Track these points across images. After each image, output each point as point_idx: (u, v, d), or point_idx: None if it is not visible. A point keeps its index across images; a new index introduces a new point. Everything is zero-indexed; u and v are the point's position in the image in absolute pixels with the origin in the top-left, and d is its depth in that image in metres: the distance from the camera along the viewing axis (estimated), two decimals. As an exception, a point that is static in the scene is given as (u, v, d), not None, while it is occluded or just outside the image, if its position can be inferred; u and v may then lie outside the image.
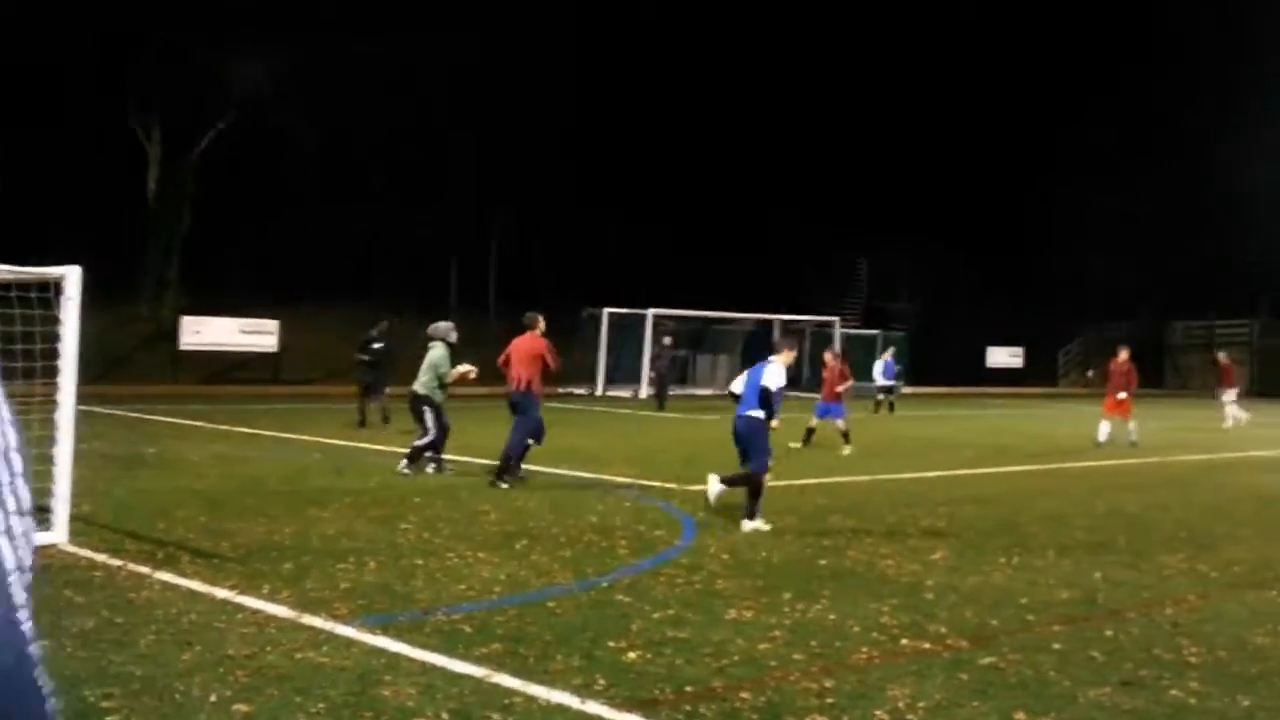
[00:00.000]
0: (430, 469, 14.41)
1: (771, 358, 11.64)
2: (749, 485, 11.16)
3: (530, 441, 13.87)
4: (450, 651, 6.48)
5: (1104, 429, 21.65)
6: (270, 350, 34.67)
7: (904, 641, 7.02)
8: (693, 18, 48.06)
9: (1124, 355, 22.39)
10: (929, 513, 12.22)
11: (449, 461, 14.73)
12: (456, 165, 41.52)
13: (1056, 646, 6.97)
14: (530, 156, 42.40)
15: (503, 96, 41.81)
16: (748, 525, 10.84)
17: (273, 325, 34.61)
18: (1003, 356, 50.13)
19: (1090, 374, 22.71)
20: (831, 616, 7.53)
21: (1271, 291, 56.90)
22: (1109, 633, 7.35)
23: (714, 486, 11.59)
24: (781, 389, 11.34)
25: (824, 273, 50.19)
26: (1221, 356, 29.71)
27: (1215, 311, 56.52)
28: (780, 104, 49.70)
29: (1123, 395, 21.69)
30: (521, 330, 14.24)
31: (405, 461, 14.41)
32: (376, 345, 21.16)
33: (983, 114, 52.84)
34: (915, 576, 8.88)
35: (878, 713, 5.67)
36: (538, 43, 42.39)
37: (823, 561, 9.39)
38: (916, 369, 45.14)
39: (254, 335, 34.45)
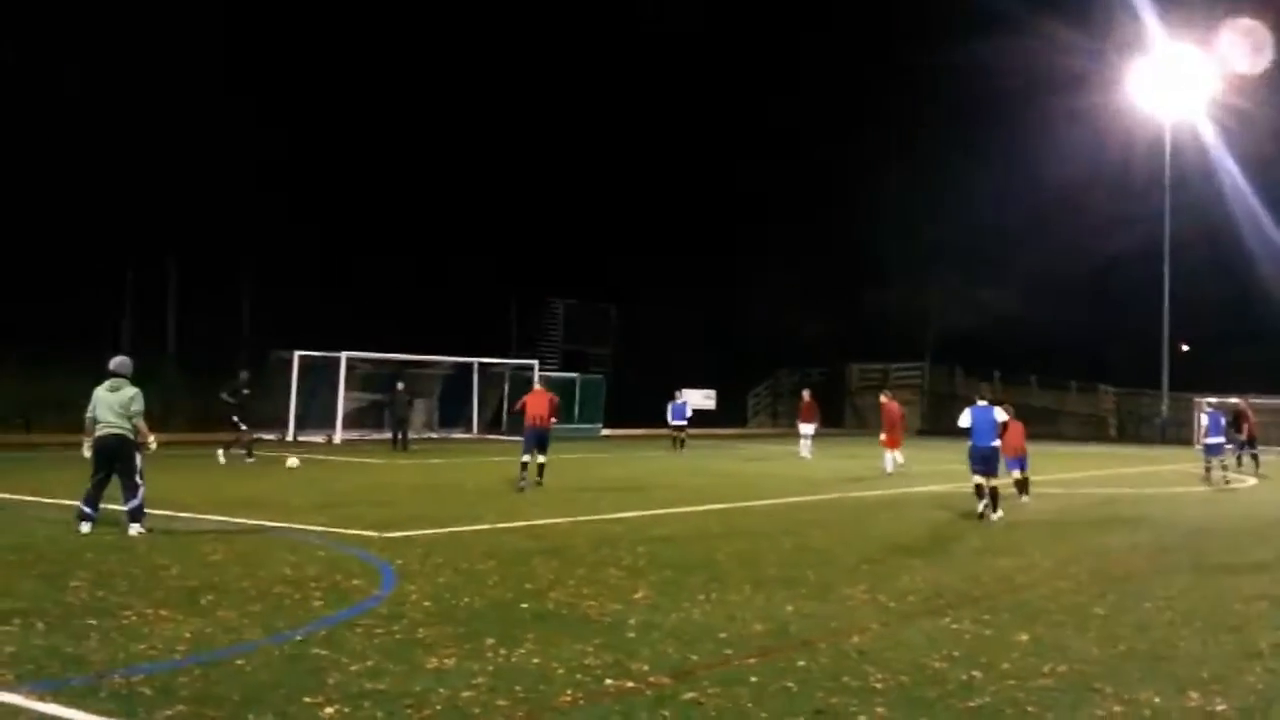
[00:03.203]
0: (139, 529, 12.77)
1: (983, 402, 17.40)
2: (997, 492, 16.78)
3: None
4: (130, 715, 6.05)
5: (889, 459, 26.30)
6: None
7: (608, 681, 7.02)
8: (387, 46, 47.64)
9: (885, 396, 28.05)
10: (629, 552, 12.37)
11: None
12: (128, 199, 39.16)
13: (753, 679, 7.15)
14: (209, 193, 40.63)
15: (176, 126, 39.88)
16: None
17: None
18: (697, 399, 51.71)
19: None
20: (535, 660, 7.46)
21: (937, 339, 61.42)
22: (801, 663, 7.61)
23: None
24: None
25: (521, 316, 50.58)
26: (805, 395, 33.74)
27: (889, 356, 60.54)
28: (475, 146, 49.82)
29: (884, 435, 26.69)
30: None
31: (136, 526, 12.72)
32: (245, 391, 25.73)
33: (673, 163, 54.69)
34: (618, 616, 8.94)
35: (583, 755, 5.63)
36: (209, 68, 40.75)
37: (525, 605, 9.32)
38: (615, 412, 45.99)
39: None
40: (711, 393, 53.38)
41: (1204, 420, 26.81)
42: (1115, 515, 18.41)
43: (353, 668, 7.17)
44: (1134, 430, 56.67)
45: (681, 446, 34.64)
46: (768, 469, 28.30)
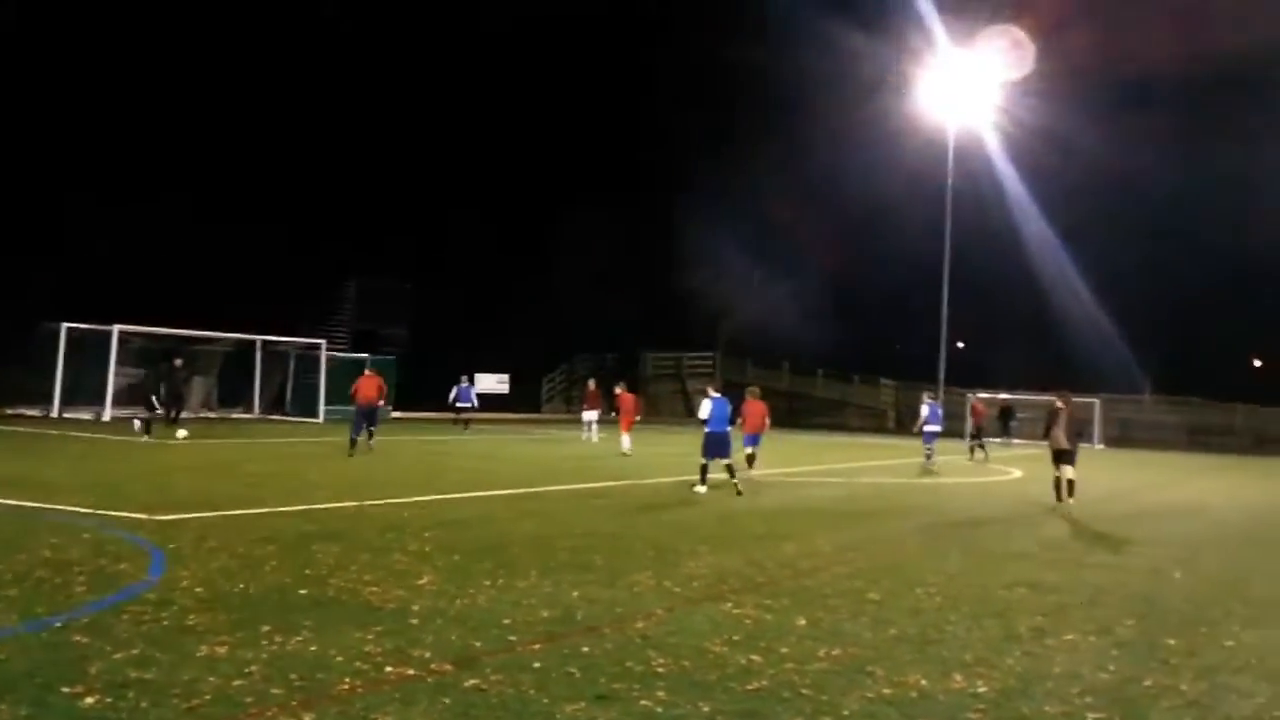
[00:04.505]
0: None
1: (715, 394, 19.41)
2: (733, 467, 19.15)
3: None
4: None
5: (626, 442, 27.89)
6: None
7: (388, 669, 6.87)
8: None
9: (620, 388, 29.87)
10: (416, 537, 12.16)
11: None
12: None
13: (537, 665, 7.11)
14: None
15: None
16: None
17: None
18: (490, 383, 51.46)
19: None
20: (313, 648, 7.24)
21: (730, 331, 62.75)
22: (585, 649, 7.61)
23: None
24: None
25: (311, 292, 49.24)
26: (590, 383, 35.75)
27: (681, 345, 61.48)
28: (271, 112, 48.21)
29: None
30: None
31: None
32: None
33: (479, 143, 54.16)
34: (401, 602, 8.77)
35: (359, 745, 5.50)
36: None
37: (304, 591, 9.05)
38: (407, 394, 45.25)
39: None
40: (505, 377, 53.22)
41: (924, 411, 28.48)
42: (891, 504, 19.14)
43: (117, 656, 6.81)
44: (912, 422, 59.10)
45: (465, 428, 36.14)
46: (558, 454, 28.34)
